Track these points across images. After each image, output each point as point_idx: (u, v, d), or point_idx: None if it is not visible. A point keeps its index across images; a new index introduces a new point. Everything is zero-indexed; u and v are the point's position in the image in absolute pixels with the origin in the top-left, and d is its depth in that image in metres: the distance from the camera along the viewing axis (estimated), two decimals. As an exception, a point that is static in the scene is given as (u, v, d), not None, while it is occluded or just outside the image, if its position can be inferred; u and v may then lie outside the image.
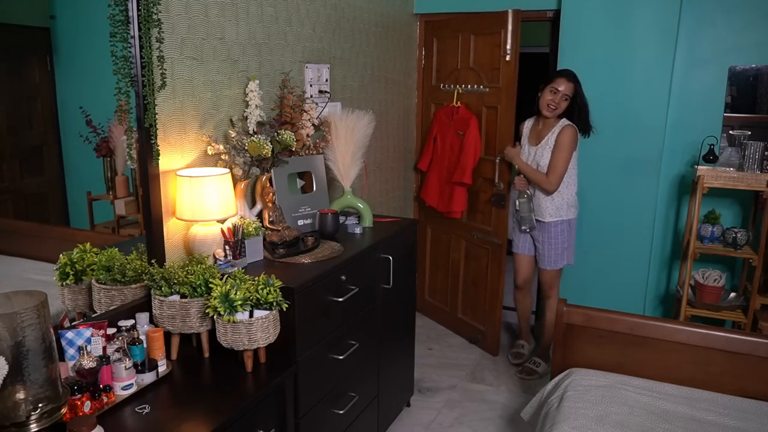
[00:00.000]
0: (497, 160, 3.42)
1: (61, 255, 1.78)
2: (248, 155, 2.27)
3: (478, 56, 3.62)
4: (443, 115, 3.77)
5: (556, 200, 3.21)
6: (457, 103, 3.69)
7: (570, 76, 3.12)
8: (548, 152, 3.14)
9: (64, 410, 1.44)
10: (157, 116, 1.92)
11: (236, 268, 2.02)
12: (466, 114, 3.63)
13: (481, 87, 3.59)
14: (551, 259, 3.30)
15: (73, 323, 1.75)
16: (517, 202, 3.30)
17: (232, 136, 2.25)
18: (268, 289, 1.82)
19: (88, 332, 1.66)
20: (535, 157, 3.21)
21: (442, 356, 3.74)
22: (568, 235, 3.28)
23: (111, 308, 1.87)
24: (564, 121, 3.17)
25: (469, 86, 3.66)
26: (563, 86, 3.09)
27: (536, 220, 3.28)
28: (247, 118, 2.35)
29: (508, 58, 3.40)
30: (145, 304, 1.93)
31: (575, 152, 3.17)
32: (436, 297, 4.21)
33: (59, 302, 1.79)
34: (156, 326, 1.87)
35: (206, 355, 1.94)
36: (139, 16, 1.80)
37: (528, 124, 3.34)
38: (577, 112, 3.14)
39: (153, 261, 1.94)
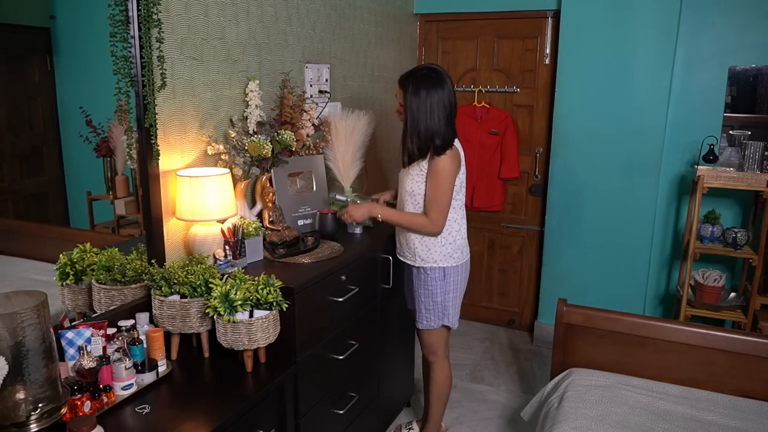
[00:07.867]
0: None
1: (61, 255, 1.78)
2: (248, 155, 2.27)
3: (504, 58, 3.90)
4: (464, 114, 3.89)
5: (426, 240, 2.46)
6: (480, 103, 3.85)
7: (401, 79, 2.39)
8: (415, 176, 2.41)
9: (64, 410, 1.44)
10: (157, 116, 1.92)
11: (236, 268, 2.02)
12: (500, 113, 3.85)
13: (513, 88, 3.86)
14: (421, 315, 2.56)
15: (73, 323, 1.75)
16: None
17: (232, 136, 2.25)
18: (268, 289, 1.82)
19: (88, 332, 1.66)
20: (402, 181, 2.50)
21: (442, 356, 3.74)
22: (441, 288, 2.50)
23: (111, 308, 1.86)
24: None
25: (496, 87, 3.90)
26: (398, 93, 2.42)
27: (403, 261, 2.59)
28: (247, 118, 2.35)
29: (547, 61, 3.74)
30: (145, 304, 1.93)
31: (459, 177, 2.42)
32: None
33: (59, 302, 1.79)
34: (156, 326, 1.87)
35: (206, 355, 1.94)
36: (139, 16, 1.80)
37: None
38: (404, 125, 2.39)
39: (153, 261, 1.94)
